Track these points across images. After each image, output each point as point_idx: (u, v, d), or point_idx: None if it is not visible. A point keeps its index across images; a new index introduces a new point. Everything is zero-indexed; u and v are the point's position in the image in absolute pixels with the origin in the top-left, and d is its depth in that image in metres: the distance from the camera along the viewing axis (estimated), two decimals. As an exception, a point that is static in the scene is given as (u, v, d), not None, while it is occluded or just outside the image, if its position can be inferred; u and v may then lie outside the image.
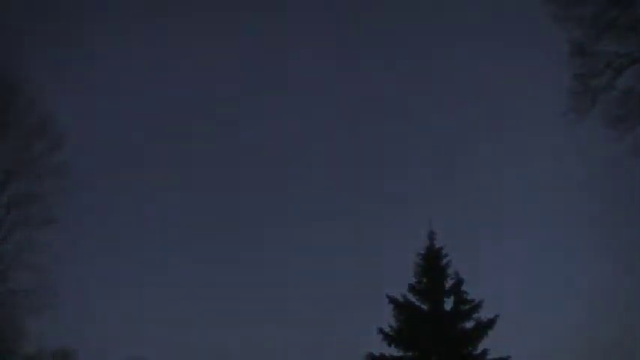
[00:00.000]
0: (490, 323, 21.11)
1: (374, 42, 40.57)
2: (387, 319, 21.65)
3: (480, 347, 21.10)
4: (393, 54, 40.22)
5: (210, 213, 39.75)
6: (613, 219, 29.12)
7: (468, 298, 21.59)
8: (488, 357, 20.95)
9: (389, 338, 21.32)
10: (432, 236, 22.43)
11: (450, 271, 21.99)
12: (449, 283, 21.92)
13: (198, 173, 40.70)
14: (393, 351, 21.31)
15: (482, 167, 37.85)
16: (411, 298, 21.97)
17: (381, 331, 21.40)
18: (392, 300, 21.82)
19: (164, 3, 39.12)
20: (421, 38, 39.54)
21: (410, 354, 21.26)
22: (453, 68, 38.59)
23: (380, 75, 40.54)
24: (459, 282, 21.78)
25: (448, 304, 21.78)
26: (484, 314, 21.31)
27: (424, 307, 21.84)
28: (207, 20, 39.81)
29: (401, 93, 40.11)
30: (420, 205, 35.11)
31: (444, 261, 22.10)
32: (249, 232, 38.77)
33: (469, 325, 21.45)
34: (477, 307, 21.42)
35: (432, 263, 22.11)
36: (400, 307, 21.78)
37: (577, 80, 16.88)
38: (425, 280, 22.05)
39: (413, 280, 22.11)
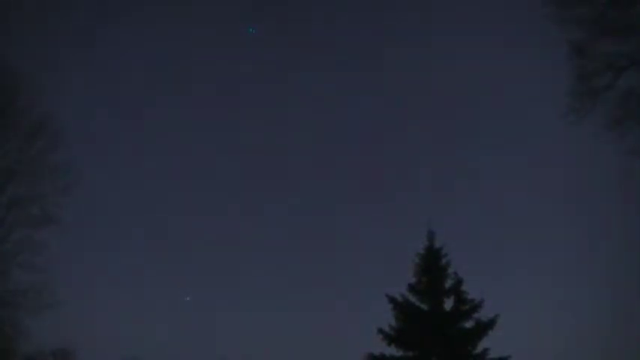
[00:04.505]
0: (490, 323, 21.12)
1: (370, 42, 40.48)
2: (387, 319, 21.73)
3: (480, 347, 21.14)
4: (392, 54, 40.18)
5: (210, 212, 39.76)
6: (613, 219, 29.11)
7: (468, 297, 21.60)
8: (488, 357, 20.96)
9: (389, 338, 21.33)
10: (431, 236, 22.46)
11: (450, 270, 22.02)
12: (449, 283, 21.94)
13: (198, 174, 40.70)
14: (393, 351, 21.34)
15: (482, 167, 37.84)
16: (411, 297, 21.99)
17: (381, 331, 21.41)
18: (392, 300, 21.83)
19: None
20: (421, 38, 39.51)
21: (410, 354, 21.27)
22: (453, 68, 38.55)
23: (379, 75, 40.50)
24: (459, 282, 21.80)
25: (448, 303, 21.81)
26: (484, 314, 21.37)
27: (424, 306, 21.85)
28: (207, 19, 39.78)
29: (400, 92, 40.09)
30: (420, 205, 35.10)
31: (444, 261, 22.13)
32: (248, 232, 38.76)
33: (469, 324, 21.47)
34: (477, 307, 21.44)
35: (432, 263, 22.12)
36: (400, 306, 21.79)
37: (577, 81, 16.90)
38: (425, 279, 22.06)
39: (413, 280, 22.15)
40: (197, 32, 39.04)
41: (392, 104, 40.88)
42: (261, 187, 40.68)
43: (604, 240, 29.74)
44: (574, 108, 16.89)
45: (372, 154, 41.11)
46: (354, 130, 41.51)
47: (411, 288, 22.06)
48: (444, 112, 39.44)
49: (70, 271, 28.33)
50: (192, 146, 41.42)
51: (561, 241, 32.06)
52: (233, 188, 40.22)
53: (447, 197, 36.90)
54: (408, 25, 39.44)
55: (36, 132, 23.91)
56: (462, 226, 34.50)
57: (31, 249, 23.38)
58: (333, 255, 37.43)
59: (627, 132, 16.55)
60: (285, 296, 35.52)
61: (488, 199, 36.56)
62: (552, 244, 32.57)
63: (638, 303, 23.37)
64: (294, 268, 37.37)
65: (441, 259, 22.14)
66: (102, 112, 38.85)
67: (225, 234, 38.58)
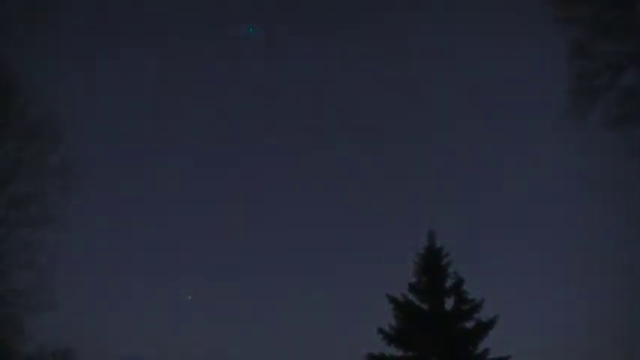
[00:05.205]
0: (490, 323, 21.16)
1: (368, 41, 40.49)
2: (387, 319, 21.74)
3: (481, 347, 21.16)
4: (392, 54, 40.18)
5: (211, 212, 39.76)
6: (613, 219, 29.10)
7: (469, 297, 21.64)
8: (489, 357, 20.99)
9: (389, 338, 21.37)
10: (431, 236, 22.52)
11: (450, 270, 22.07)
12: (449, 283, 21.98)
13: (199, 175, 40.70)
14: (393, 351, 21.38)
15: (482, 167, 37.84)
16: (411, 297, 22.03)
17: (381, 331, 21.45)
18: (392, 300, 21.86)
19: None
20: (420, 37, 39.51)
21: (410, 354, 21.31)
22: (453, 68, 38.59)
23: (379, 75, 40.52)
24: (459, 282, 21.82)
25: (448, 303, 21.85)
26: (484, 314, 21.41)
27: (424, 306, 21.89)
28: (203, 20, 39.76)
29: (401, 93, 40.13)
30: (420, 205, 35.12)
31: (444, 261, 22.17)
32: (248, 231, 38.76)
33: (469, 324, 21.50)
34: (477, 306, 21.48)
35: (432, 263, 22.16)
36: (400, 306, 21.82)
37: (577, 80, 16.91)
38: (425, 279, 22.11)
39: (413, 280, 22.18)
40: (197, 31, 39.14)
41: (392, 104, 40.92)
42: (262, 187, 40.71)
43: (604, 240, 29.75)
44: (574, 108, 16.91)
45: (372, 155, 41.13)
46: (354, 130, 41.53)
47: (412, 288, 22.10)
48: (443, 113, 39.44)
49: (70, 271, 28.28)
50: (193, 146, 41.44)
51: (561, 241, 32.08)
52: (234, 187, 40.26)
53: (447, 197, 36.92)
54: (407, 26, 39.47)
55: (36, 132, 23.88)
56: (462, 226, 34.50)
57: (31, 249, 23.38)
58: (334, 255, 37.46)
59: (627, 132, 16.56)
60: (286, 296, 35.57)
61: (488, 199, 36.59)
62: (552, 244, 32.58)
63: (637, 303, 23.40)
64: (295, 268, 37.39)
65: (441, 259, 22.18)
66: (102, 111, 38.85)
67: (226, 234, 38.62)
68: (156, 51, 39.71)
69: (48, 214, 23.67)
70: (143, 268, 36.61)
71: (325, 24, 40.43)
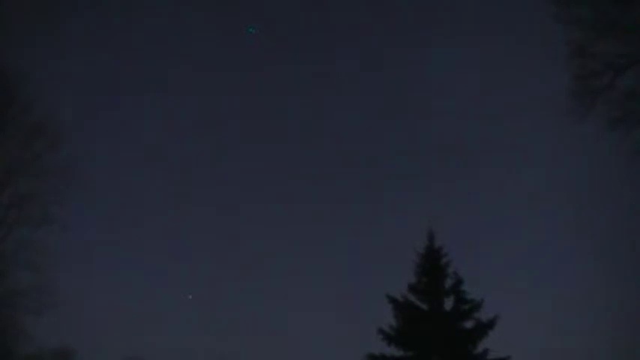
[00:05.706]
0: (490, 323, 21.10)
1: (369, 42, 40.51)
2: (387, 319, 21.73)
3: (480, 347, 21.14)
4: (392, 54, 40.21)
5: (211, 212, 39.80)
6: (613, 220, 29.14)
7: (468, 297, 21.60)
8: (489, 357, 20.96)
9: (389, 338, 21.33)
10: (431, 236, 22.44)
11: (450, 270, 22.02)
12: (449, 283, 21.92)
13: (199, 174, 40.73)
14: (393, 351, 21.34)
15: (482, 167, 37.89)
16: (411, 297, 21.98)
17: (381, 331, 21.42)
18: (392, 300, 21.83)
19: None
20: (420, 38, 39.53)
21: (410, 354, 21.27)
22: (453, 69, 38.63)
23: (379, 75, 40.56)
24: (459, 281, 21.78)
25: (448, 303, 21.81)
26: (484, 314, 21.37)
27: (424, 306, 21.84)
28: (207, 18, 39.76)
29: (400, 92, 40.14)
30: (420, 206, 35.11)
31: (444, 260, 22.12)
32: (248, 231, 38.79)
33: (469, 324, 21.45)
34: (477, 306, 21.43)
35: (432, 263, 22.11)
36: (400, 306, 21.79)
37: (577, 81, 16.92)
38: (424, 279, 22.05)
39: (413, 280, 22.16)
40: (197, 31, 39.17)
41: (392, 105, 40.94)
42: (262, 186, 40.74)
43: (604, 240, 29.77)
44: (574, 108, 16.92)
45: (372, 155, 41.18)
46: (355, 130, 41.56)
47: (411, 288, 22.05)
48: (444, 112, 39.47)
49: (70, 271, 28.34)
50: (193, 146, 41.49)
51: (561, 241, 32.11)
52: (233, 187, 40.30)
53: (447, 197, 36.94)
54: (408, 26, 39.50)
55: (36, 132, 23.91)
56: (462, 226, 34.54)
57: (31, 249, 23.40)
58: (334, 255, 37.50)
59: (627, 132, 16.57)
60: (286, 296, 35.59)
61: (488, 199, 36.63)
62: (552, 244, 32.62)
63: (638, 303, 23.40)
64: (295, 268, 37.42)
65: (440, 259, 22.13)
66: (102, 111, 38.92)
67: (226, 233, 38.64)
68: (156, 51, 39.79)
69: (48, 214, 23.74)
70: (143, 268, 36.66)
71: (325, 24, 40.51)
